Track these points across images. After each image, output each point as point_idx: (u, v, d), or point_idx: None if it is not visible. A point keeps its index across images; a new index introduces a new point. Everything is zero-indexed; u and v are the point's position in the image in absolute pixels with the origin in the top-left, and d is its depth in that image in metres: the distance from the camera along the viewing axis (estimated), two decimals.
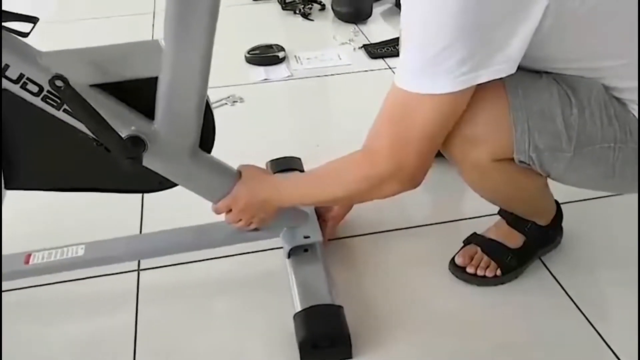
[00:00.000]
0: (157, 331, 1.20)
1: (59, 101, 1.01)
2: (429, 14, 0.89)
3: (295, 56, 2.28)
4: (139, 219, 1.46)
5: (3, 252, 1.21)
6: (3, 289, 1.23)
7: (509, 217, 1.28)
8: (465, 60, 0.89)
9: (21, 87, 0.99)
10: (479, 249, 1.27)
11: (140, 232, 1.43)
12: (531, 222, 1.26)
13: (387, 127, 1.02)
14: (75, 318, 1.23)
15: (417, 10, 0.91)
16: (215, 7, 0.99)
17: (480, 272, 1.24)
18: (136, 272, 1.32)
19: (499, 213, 1.31)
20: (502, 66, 0.92)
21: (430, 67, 0.91)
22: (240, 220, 1.22)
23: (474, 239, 1.30)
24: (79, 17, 2.75)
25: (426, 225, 1.41)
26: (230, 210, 1.21)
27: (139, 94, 1.06)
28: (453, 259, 1.28)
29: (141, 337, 1.18)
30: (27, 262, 1.22)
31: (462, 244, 1.30)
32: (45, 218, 1.47)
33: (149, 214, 1.48)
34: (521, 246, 1.26)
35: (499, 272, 1.24)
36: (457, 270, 1.26)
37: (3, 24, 0.95)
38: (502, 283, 1.25)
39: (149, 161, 1.11)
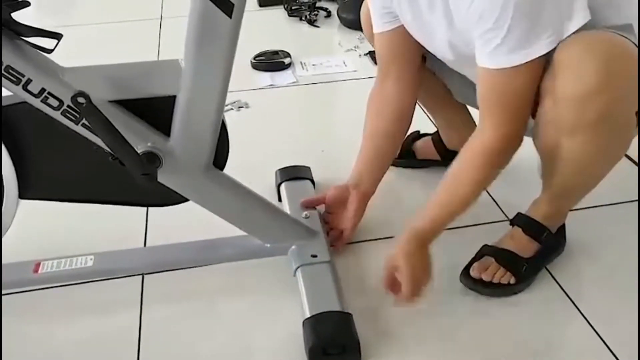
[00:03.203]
0: (161, 334, 1.19)
1: (77, 116, 1.04)
2: None
3: (300, 62, 2.29)
4: (144, 227, 1.46)
5: (13, 260, 1.22)
6: (8, 290, 1.24)
7: (527, 225, 1.26)
8: (556, 21, 1.01)
9: (42, 101, 1.02)
10: (493, 259, 1.24)
11: (145, 241, 1.42)
12: (547, 230, 1.25)
13: (494, 112, 1.11)
14: (79, 320, 1.22)
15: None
16: (235, 31, 1.01)
17: (495, 281, 1.22)
18: (141, 275, 1.31)
19: (513, 221, 1.29)
20: (583, 13, 1.02)
21: (526, 38, 1.01)
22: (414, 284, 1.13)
23: (486, 251, 1.26)
24: (85, 22, 2.76)
25: None
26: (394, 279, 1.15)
27: (156, 112, 1.08)
28: (467, 270, 1.24)
29: (145, 340, 1.17)
30: (36, 270, 1.23)
31: (474, 257, 1.26)
32: (48, 226, 1.46)
33: (154, 222, 1.47)
34: (534, 255, 1.25)
35: (512, 280, 1.22)
36: (470, 281, 1.24)
37: (27, 39, 0.97)
38: (515, 293, 1.23)
39: (163, 177, 1.13)
